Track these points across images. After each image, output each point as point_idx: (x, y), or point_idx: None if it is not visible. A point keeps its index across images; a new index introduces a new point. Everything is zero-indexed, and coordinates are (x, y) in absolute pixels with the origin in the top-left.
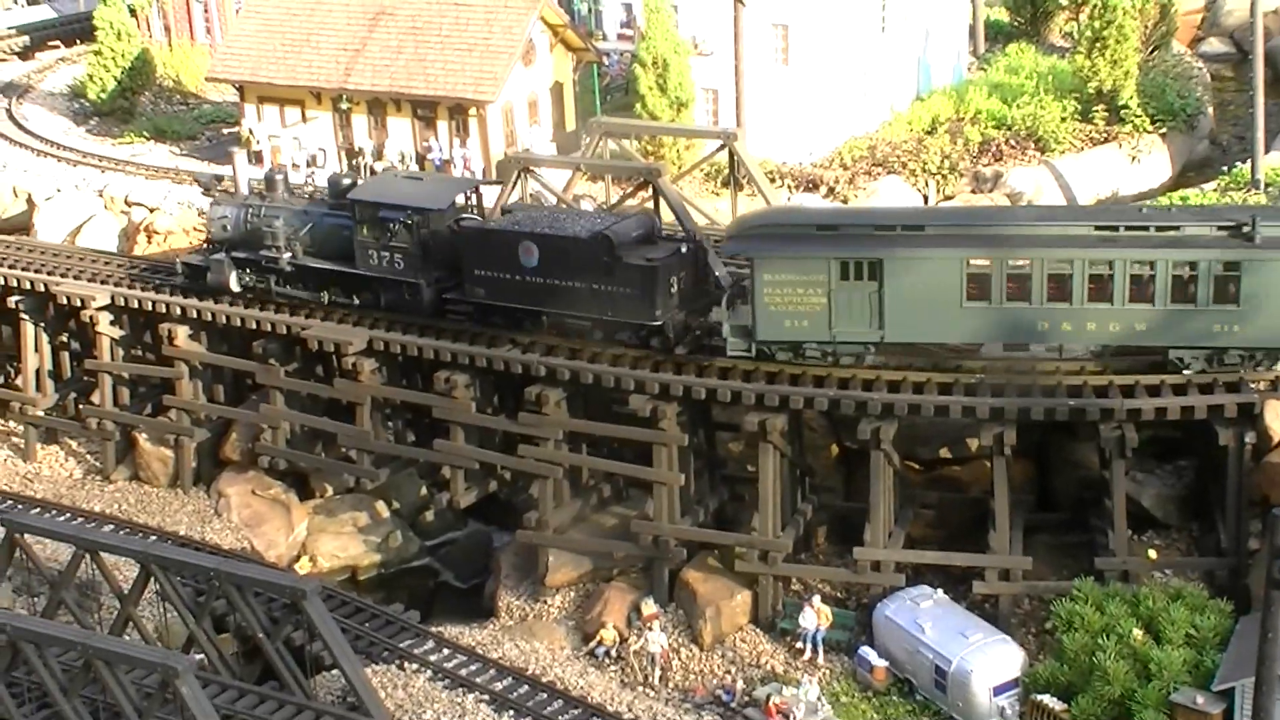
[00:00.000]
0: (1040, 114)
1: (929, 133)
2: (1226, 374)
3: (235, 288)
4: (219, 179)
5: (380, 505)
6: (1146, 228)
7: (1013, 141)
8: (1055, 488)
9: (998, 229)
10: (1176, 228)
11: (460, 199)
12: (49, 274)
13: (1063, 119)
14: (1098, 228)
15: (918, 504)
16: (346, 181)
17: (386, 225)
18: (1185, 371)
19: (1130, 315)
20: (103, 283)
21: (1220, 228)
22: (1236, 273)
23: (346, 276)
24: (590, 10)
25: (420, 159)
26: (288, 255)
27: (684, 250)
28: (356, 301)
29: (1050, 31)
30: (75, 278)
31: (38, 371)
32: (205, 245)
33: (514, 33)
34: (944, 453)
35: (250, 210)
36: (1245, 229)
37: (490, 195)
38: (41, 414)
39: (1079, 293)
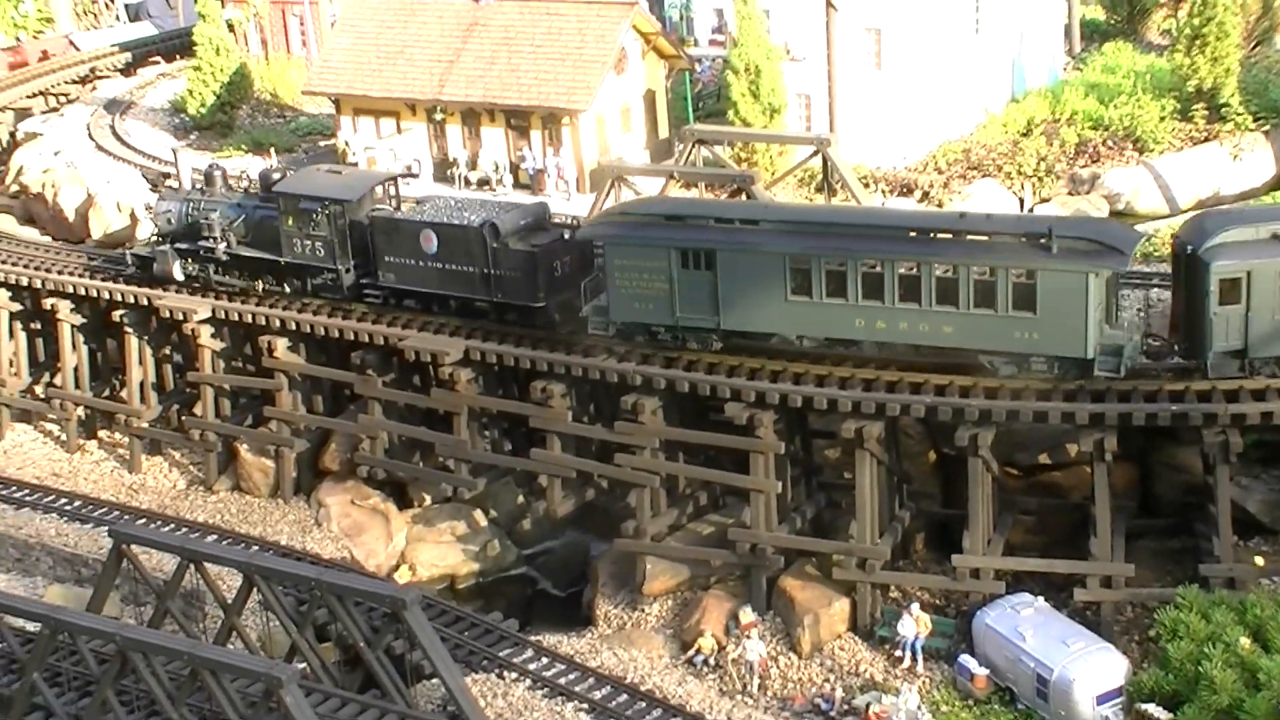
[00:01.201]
0: (1138, 113)
1: (1024, 134)
2: None
3: (179, 276)
4: (165, 175)
5: (478, 514)
6: (958, 233)
7: (1110, 142)
8: (1158, 493)
9: (823, 228)
10: (986, 235)
11: (379, 190)
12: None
13: (1161, 118)
14: (914, 231)
15: (1017, 510)
16: (276, 176)
17: (308, 215)
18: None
19: (938, 318)
20: (203, 296)
21: (1025, 237)
22: (1034, 281)
23: (275, 264)
24: (682, 17)
25: (514, 168)
26: (223, 245)
27: (567, 237)
28: (287, 289)
29: (1148, 29)
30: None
31: (142, 384)
32: (152, 238)
33: (606, 41)
34: (1043, 458)
35: (191, 204)
36: (1043, 240)
37: (413, 188)
38: (146, 425)
39: (890, 293)
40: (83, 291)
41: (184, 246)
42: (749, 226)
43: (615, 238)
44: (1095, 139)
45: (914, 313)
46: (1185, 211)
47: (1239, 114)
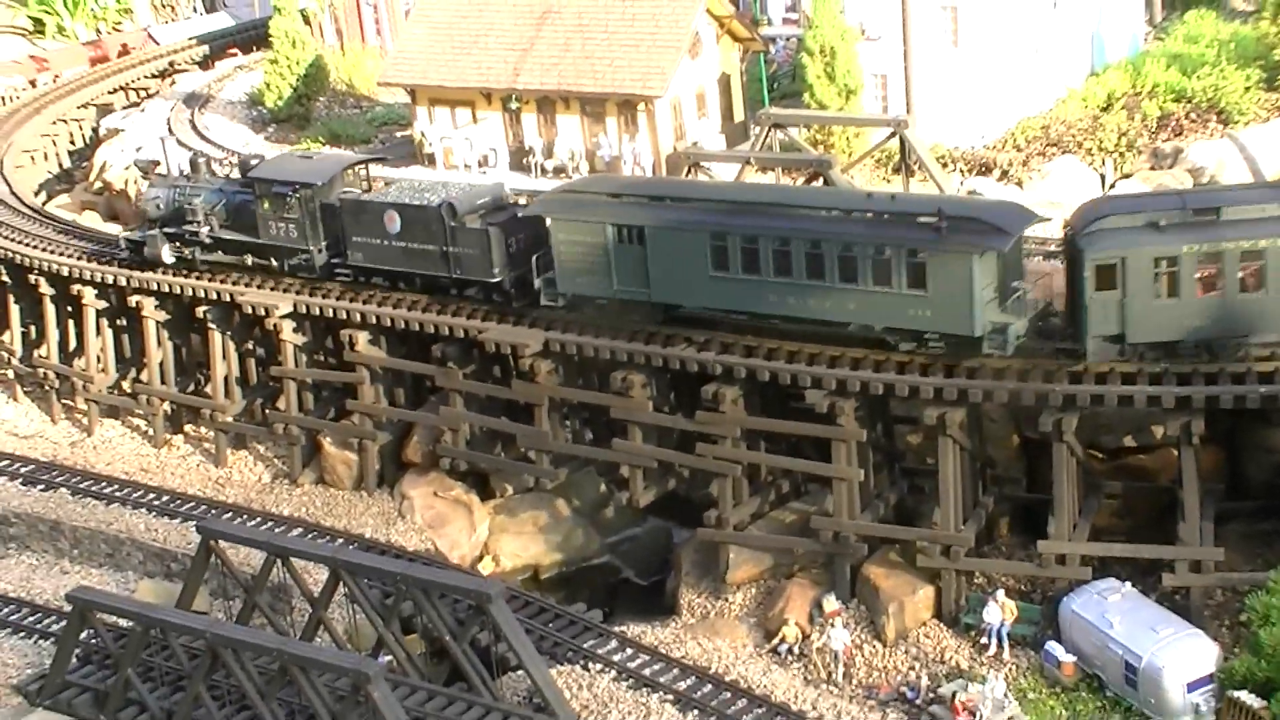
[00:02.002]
0: (1222, 84)
1: (1105, 109)
2: None
3: (169, 259)
4: (155, 163)
5: (560, 503)
6: (864, 212)
7: (1193, 115)
8: (1247, 474)
9: (742, 207)
10: (885, 215)
11: (348, 174)
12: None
13: (1246, 88)
14: (825, 210)
15: (1102, 494)
16: (254, 162)
17: (281, 199)
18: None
19: (842, 295)
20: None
21: (919, 217)
22: (924, 261)
23: (254, 245)
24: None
25: (590, 155)
26: (206, 229)
27: (520, 215)
28: (273, 263)
29: None
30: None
31: (226, 379)
32: (143, 223)
33: (680, 26)
34: (1128, 441)
35: (177, 190)
36: (934, 221)
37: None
38: (230, 420)
39: (799, 270)
40: (167, 288)
41: (171, 231)
42: (676, 204)
43: (559, 214)
44: (1178, 112)
45: (820, 289)
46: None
47: None
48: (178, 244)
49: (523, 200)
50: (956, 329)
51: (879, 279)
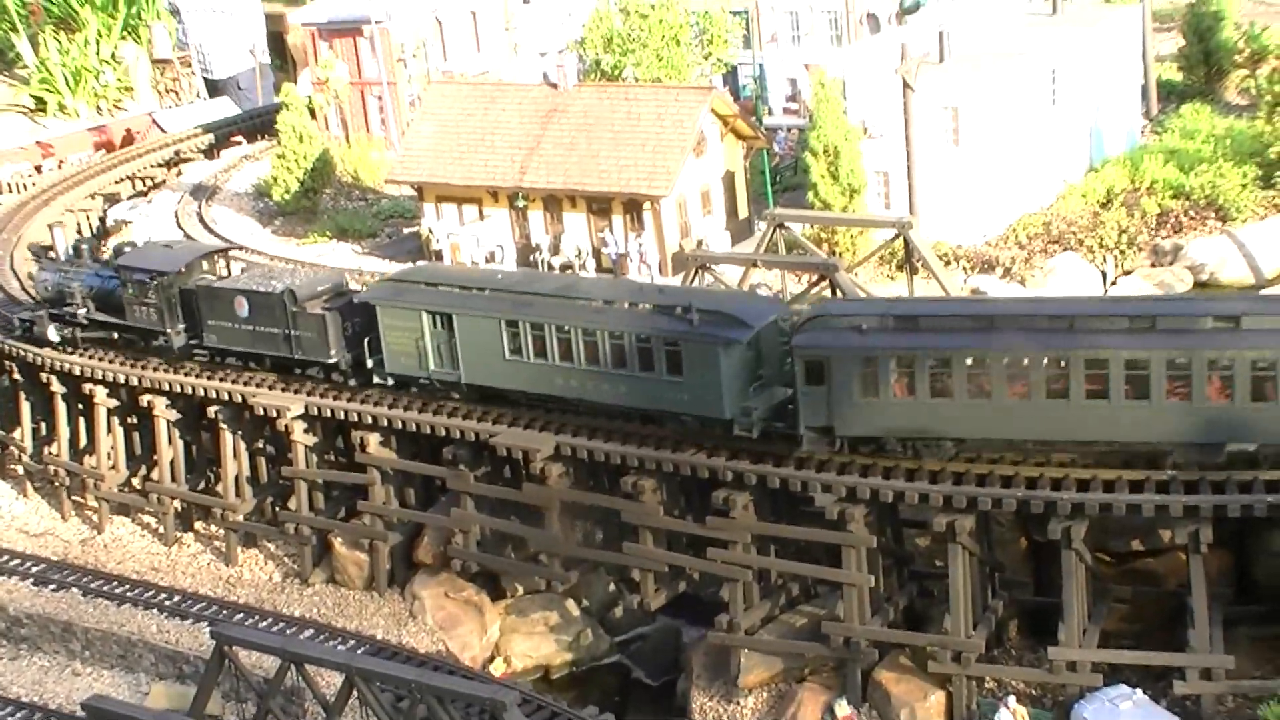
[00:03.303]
0: (1219, 181)
1: (1105, 205)
2: None
3: (54, 339)
4: (47, 248)
5: (570, 604)
6: (633, 304)
7: (1192, 212)
8: (1255, 577)
9: (533, 296)
10: (650, 307)
11: (204, 262)
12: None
13: (1243, 186)
14: (599, 301)
15: (1112, 598)
16: (126, 249)
17: (142, 285)
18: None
19: (616, 379)
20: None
21: (677, 309)
22: (678, 349)
23: (122, 327)
24: (756, 91)
25: (595, 252)
26: (83, 311)
27: (355, 301)
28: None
29: (1226, 89)
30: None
31: (237, 478)
32: (35, 304)
33: (685, 126)
34: (1136, 545)
35: (62, 274)
36: (686, 313)
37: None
38: (241, 519)
39: (578, 356)
40: (178, 388)
41: (55, 311)
42: (479, 293)
43: (383, 301)
44: (1176, 209)
45: (596, 373)
46: (1272, 281)
47: None
48: (60, 324)
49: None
50: (708, 412)
51: (643, 365)
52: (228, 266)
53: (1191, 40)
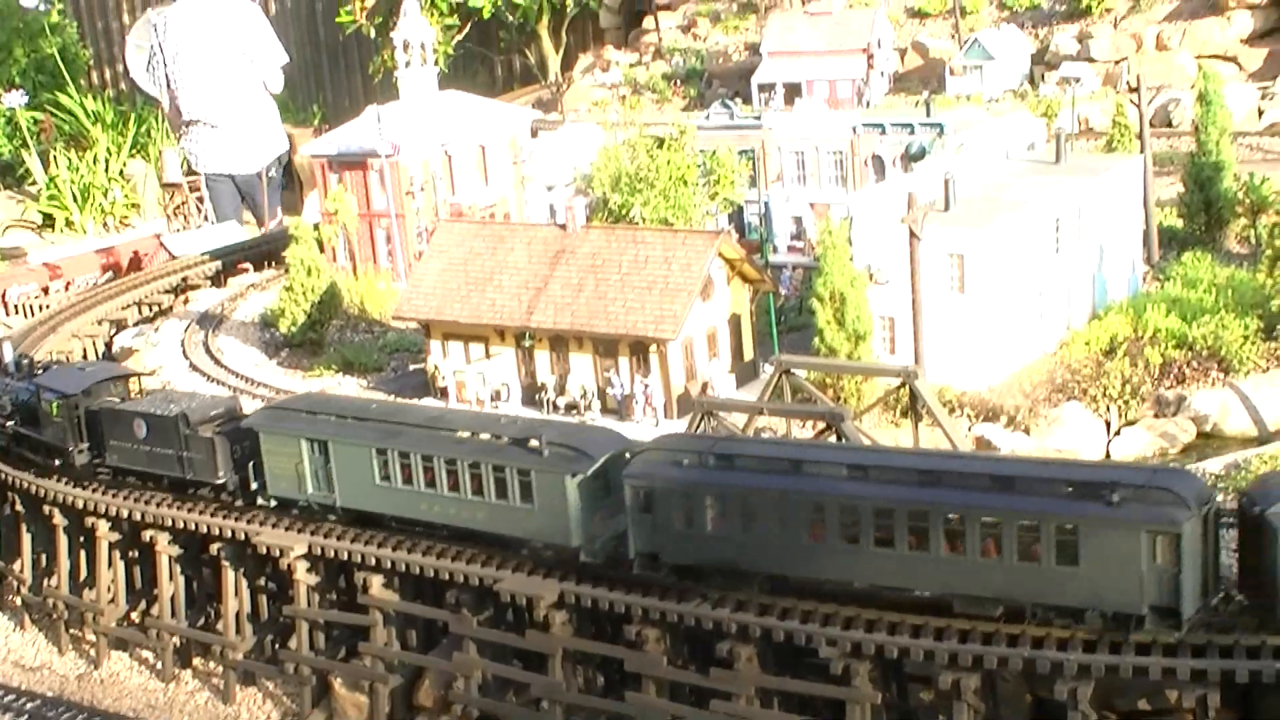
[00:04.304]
0: (1222, 333)
1: (1108, 353)
2: None
3: None
4: None
5: None
6: (492, 435)
7: (1195, 362)
8: None
9: (399, 426)
10: (506, 438)
11: (112, 385)
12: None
13: (1245, 337)
14: (459, 431)
15: None
16: (54, 368)
17: (50, 404)
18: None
19: (474, 506)
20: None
21: (528, 440)
22: (529, 479)
23: (38, 442)
24: (762, 233)
25: (601, 393)
26: (11, 424)
27: (243, 426)
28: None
29: (1226, 238)
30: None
31: (237, 615)
32: None
33: (693, 270)
34: (1143, 704)
35: (3, 386)
36: (535, 444)
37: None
38: (241, 657)
39: (440, 483)
40: (181, 524)
41: None
42: (353, 423)
43: (265, 427)
44: (1180, 359)
45: (457, 500)
46: (1275, 434)
47: None
48: None
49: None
50: (557, 539)
51: (499, 493)
52: (140, 387)
53: (1192, 188)
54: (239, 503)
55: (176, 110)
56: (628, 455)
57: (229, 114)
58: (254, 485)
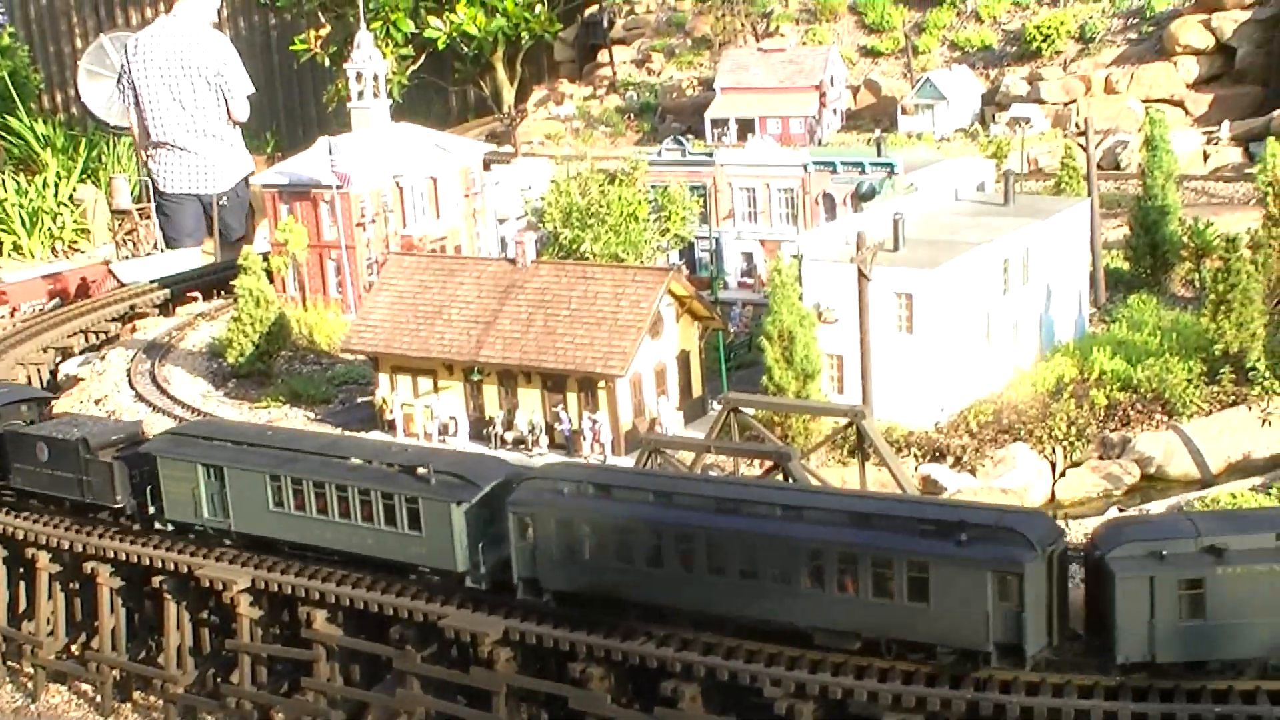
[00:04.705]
0: (1166, 376)
1: (1054, 395)
2: None
3: None
4: None
5: None
6: (382, 463)
7: (1139, 405)
8: None
9: (295, 453)
10: (396, 466)
11: (24, 407)
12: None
13: (1189, 380)
14: (351, 459)
15: None
16: None
17: None
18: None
19: (364, 532)
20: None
21: (415, 468)
22: (417, 507)
23: None
24: (713, 271)
25: (549, 427)
26: None
27: (141, 451)
28: None
29: (1172, 281)
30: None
31: (179, 648)
32: None
33: (642, 307)
34: None
35: None
36: (422, 473)
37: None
38: (182, 690)
39: (331, 509)
40: (124, 556)
41: None
42: (249, 448)
43: (162, 453)
44: (1124, 401)
45: (347, 526)
46: (1217, 476)
47: (1266, 379)
48: None
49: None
50: (443, 565)
51: (388, 520)
52: (46, 412)
53: (1138, 232)
54: (136, 526)
55: (145, 132)
56: (514, 484)
57: (196, 137)
58: (151, 509)
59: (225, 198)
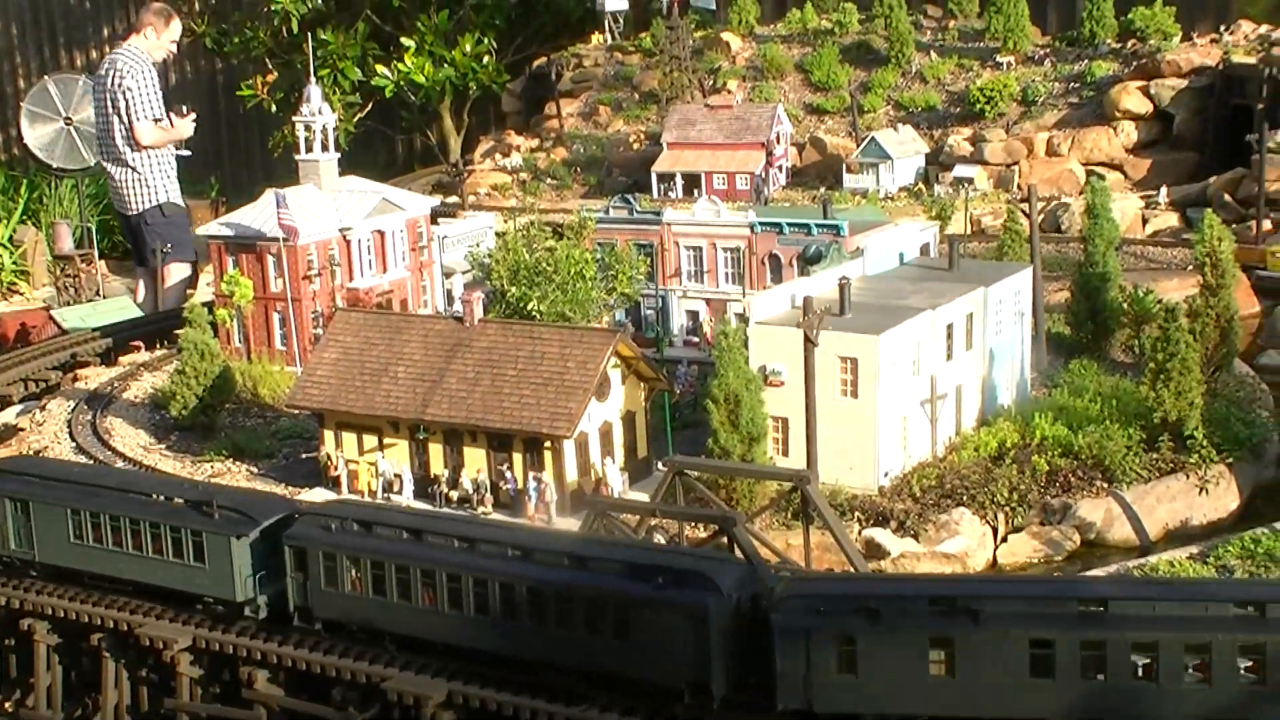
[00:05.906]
0: (1106, 443)
1: (997, 459)
2: None
3: None
4: None
5: None
6: (171, 499)
7: (1080, 471)
8: None
9: (98, 489)
10: (188, 502)
11: None
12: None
13: (1128, 448)
14: (143, 495)
15: None
16: None
17: None
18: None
19: (155, 564)
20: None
21: (202, 504)
22: (201, 539)
23: None
24: (659, 330)
25: (494, 487)
26: None
27: None
28: None
29: (1112, 347)
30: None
31: (117, 706)
32: None
33: (589, 369)
34: None
35: None
36: (206, 507)
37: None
38: None
39: (125, 541)
40: (62, 613)
41: None
42: (53, 484)
43: None
44: (1065, 467)
45: (142, 558)
46: (1156, 543)
47: (1203, 446)
48: None
49: None
50: (224, 595)
51: (176, 552)
52: None
53: (1079, 297)
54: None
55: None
56: (294, 519)
57: (108, 161)
58: None
59: (153, 232)
